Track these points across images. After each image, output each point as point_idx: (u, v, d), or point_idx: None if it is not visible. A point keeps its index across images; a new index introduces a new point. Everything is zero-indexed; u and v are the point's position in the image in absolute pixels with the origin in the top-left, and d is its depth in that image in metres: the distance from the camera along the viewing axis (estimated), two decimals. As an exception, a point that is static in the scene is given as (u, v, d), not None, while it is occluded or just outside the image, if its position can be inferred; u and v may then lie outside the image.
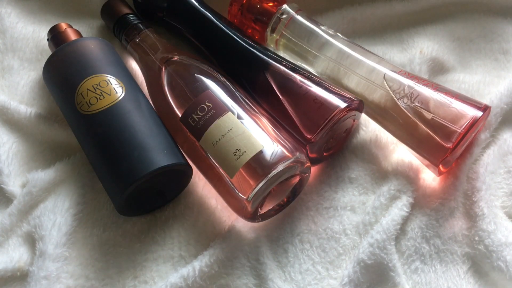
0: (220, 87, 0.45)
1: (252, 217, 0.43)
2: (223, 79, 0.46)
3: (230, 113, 0.43)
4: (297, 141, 0.44)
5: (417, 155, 0.46)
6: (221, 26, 0.51)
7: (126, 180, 0.42)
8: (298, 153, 0.42)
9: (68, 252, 0.44)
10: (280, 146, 0.41)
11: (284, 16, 0.52)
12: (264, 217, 0.45)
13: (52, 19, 0.58)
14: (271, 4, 0.53)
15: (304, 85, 0.46)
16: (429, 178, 0.47)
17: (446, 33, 0.57)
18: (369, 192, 0.47)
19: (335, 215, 0.46)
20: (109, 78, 0.46)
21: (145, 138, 0.43)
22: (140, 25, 0.52)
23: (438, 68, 0.54)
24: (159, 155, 0.42)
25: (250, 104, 0.45)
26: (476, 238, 0.43)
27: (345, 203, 0.47)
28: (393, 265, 0.42)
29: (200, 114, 0.43)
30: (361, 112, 0.47)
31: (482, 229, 0.43)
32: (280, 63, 0.48)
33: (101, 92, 0.45)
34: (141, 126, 0.44)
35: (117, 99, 0.45)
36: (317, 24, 0.51)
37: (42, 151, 0.51)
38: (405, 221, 0.45)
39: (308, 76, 0.47)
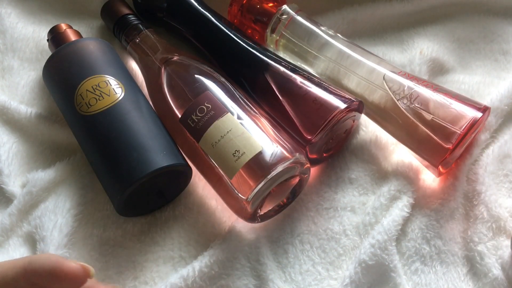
0: (220, 88, 0.45)
1: (252, 217, 0.43)
2: (223, 79, 0.46)
3: (229, 114, 0.43)
4: (296, 142, 0.44)
5: (416, 156, 0.46)
6: (221, 26, 0.51)
7: (126, 181, 0.42)
8: (297, 154, 0.42)
9: (68, 253, 0.44)
10: (279, 147, 0.41)
11: (284, 16, 0.52)
12: (264, 217, 0.45)
13: (52, 20, 0.58)
14: (271, 4, 0.53)
15: (304, 85, 0.46)
16: (429, 178, 0.47)
17: (446, 34, 0.57)
18: (369, 193, 0.47)
19: (335, 216, 0.46)
20: (108, 78, 0.46)
21: (144, 139, 0.43)
22: (140, 26, 0.52)
23: (438, 68, 0.54)
24: (159, 155, 0.42)
25: (250, 105, 0.45)
26: (476, 240, 0.43)
27: (345, 203, 0.47)
28: (394, 265, 0.42)
29: (200, 115, 0.43)
30: (361, 113, 0.47)
31: (482, 232, 0.43)
32: (280, 63, 0.48)
33: (100, 93, 0.45)
34: (141, 127, 0.44)
35: (116, 100, 0.45)
36: (317, 24, 0.51)
37: (42, 151, 0.51)
38: (405, 222, 0.45)
39: (308, 76, 0.46)
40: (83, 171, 0.49)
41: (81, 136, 0.46)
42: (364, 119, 0.50)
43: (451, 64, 0.55)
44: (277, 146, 0.41)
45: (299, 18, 0.51)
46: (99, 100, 0.44)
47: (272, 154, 0.41)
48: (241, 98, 0.45)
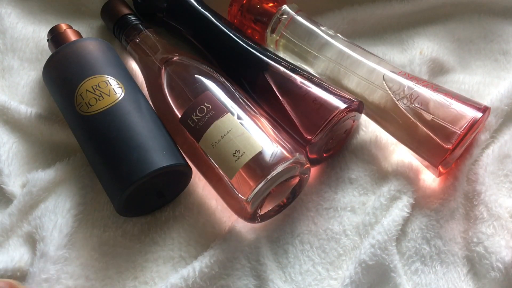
0: (220, 88, 0.45)
1: (252, 218, 0.43)
2: (222, 79, 0.46)
3: (229, 114, 0.42)
4: (296, 142, 0.44)
5: (416, 156, 0.46)
6: (221, 26, 0.51)
7: (126, 181, 0.42)
8: (297, 154, 0.42)
9: (68, 253, 0.44)
10: (279, 147, 0.41)
11: (284, 16, 0.52)
12: (264, 218, 0.45)
13: (52, 20, 0.58)
14: (271, 4, 0.53)
15: (304, 86, 0.46)
16: (429, 178, 0.47)
17: (446, 34, 0.57)
18: (369, 193, 0.47)
19: (335, 216, 0.46)
20: (108, 79, 0.46)
21: (144, 139, 0.43)
22: (140, 26, 0.52)
23: (438, 68, 0.54)
24: (159, 156, 0.42)
25: (250, 105, 0.45)
26: (475, 240, 0.43)
27: (345, 203, 0.47)
28: (394, 266, 0.42)
29: (200, 115, 0.43)
30: (361, 113, 0.47)
31: (481, 231, 0.43)
32: (280, 63, 0.48)
33: (100, 93, 0.45)
34: (141, 127, 0.44)
35: (116, 100, 0.45)
36: (317, 24, 0.51)
37: (42, 151, 0.51)
38: (405, 222, 0.45)
39: (308, 77, 0.46)
40: (83, 171, 0.49)
41: (81, 136, 0.46)
42: (364, 119, 0.50)
43: (451, 64, 0.55)
44: (277, 146, 0.41)
45: (299, 18, 0.51)
46: (99, 100, 0.44)
47: (272, 154, 0.41)
48: (241, 98, 0.45)
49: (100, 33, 0.57)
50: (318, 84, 0.46)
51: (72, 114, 0.46)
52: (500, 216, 0.44)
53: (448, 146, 0.42)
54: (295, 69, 0.47)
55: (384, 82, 0.46)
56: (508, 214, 0.44)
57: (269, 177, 0.40)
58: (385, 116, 0.46)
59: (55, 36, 0.51)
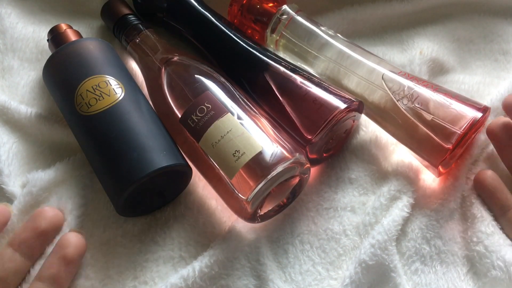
0: (220, 88, 0.45)
1: (252, 218, 0.43)
2: (223, 79, 0.46)
3: (229, 114, 0.42)
4: (296, 142, 0.44)
5: (416, 156, 0.46)
6: (221, 26, 0.51)
7: (126, 181, 0.42)
8: (297, 154, 0.42)
9: (68, 253, 0.44)
10: (279, 147, 0.41)
11: (284, 16, 0.52)
12: (264, 218, 0.45)
13: (52, 20, 0.58)
14: (271, 4, 0.53)
15: (304, 86, 0.46)
16: (429, 178, 0.47)
17: (446, 34, 0.57)
18: (369, 193, 0.47)
19: (335, 216, 0.46)
20: (108, 79, 0.46)
21: (144, 139, 0.43)
22: (140, 26, 0.52)
23: (438, 68, 0.54)
24: (159, 155, 0.42)
25: (250, 105, 0.45)
26: (475, 239, 0.43)
27: (345, 203, 0.47)
28: (394, 265, 0.42)
29: (200, 115, 0.43)
30: (361, 113, 0.47)
31: (480, 230, 0.43)
32: (280, 63, 0.48)
33: (100, 93, 0.45)
34: (141, 127, 0.44)
35: (116, 100, 0.45)
36: (317, 24, 0.51)
37: (42, 151, 0.51)
38: (405, 222, 0.45)
39: (308, 77, 0.46)
40: (83, 171, 0.49)
41: (81, 136, 0.46)
42: (364, 119, 0.50)
43: (451, 64, 0.55)
44: (277, 146, 0.41)
45: (299, 18, 0.51)
46: (99, 100, 0.44)
47: (272, 154, 0.41)
48: (241, 98, 0.45)
49: (100, 33, 0.57)
50: (318, 84, 0.46)
51: (72, 114, 0.46)
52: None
53: (448, 146, 0.42)
54: (295, 69, 0.47)
55: (384, 82, 0.46)
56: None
57: (269, 177, 0.40)
58: (385, 116, 0.46)
59: (55, 36, 0.51)
